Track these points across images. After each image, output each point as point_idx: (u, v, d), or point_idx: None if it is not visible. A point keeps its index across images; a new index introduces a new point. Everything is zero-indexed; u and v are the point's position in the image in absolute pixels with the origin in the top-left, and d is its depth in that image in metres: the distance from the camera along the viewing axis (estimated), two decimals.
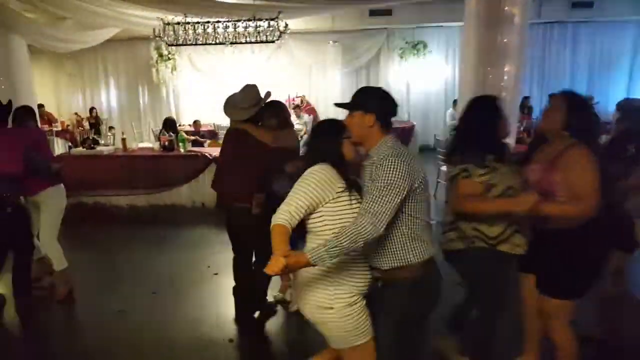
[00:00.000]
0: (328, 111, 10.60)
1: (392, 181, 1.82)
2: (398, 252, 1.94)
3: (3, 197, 3.57)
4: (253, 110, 3.24)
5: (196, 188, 6.81)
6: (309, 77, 10.88)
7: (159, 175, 6.79)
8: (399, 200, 1.82)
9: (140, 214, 6.67)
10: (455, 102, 8.96)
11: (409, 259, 1.94)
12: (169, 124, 7.80)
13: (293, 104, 10.40)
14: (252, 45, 9.53)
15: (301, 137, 9.45)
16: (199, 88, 10.97)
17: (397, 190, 1.82)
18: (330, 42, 10.48)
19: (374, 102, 1.99)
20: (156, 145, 7.28)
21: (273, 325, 3.53)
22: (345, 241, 1.74)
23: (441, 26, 10.45)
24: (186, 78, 10.92)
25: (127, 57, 11.05)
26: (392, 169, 1.82)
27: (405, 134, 9.54)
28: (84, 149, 7.02)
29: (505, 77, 5.08)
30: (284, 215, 1.83)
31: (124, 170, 6.84)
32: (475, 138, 2.30)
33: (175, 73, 10.50)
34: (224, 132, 8.82)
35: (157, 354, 3.17)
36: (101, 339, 3.39)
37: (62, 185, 3.99)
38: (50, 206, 3.90)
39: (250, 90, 3.30)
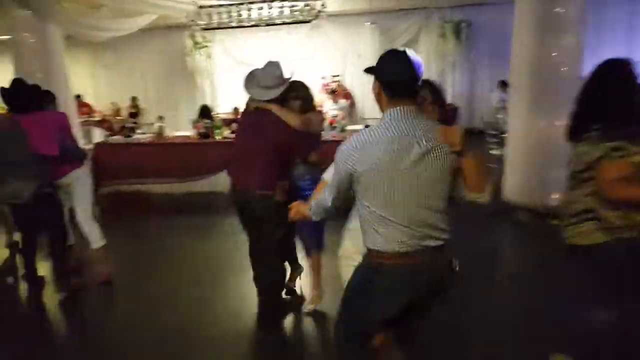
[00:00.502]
0: (365, 95, 10.30)
1: (336, 159, 1.84)
2: (362, 233, 1.90)
3: (43, 178, 3.53)
4: (278, 90, 2.98)
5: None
6: (344, 61, 10.54)
7: (195, 163, 6.68)
8: (338, 179, 1.85)
9: (177, 202, 6.60)
10: (503, 82, 8.45)
11: (365, 243, 1.88)
12: (205, 112, 7.71)
13: (329, 88, 10.14)
14: (288, 28, 9.36)
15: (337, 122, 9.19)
16: (234, 75, 10.82)
17: (337, 169, 1.84)
18: (367, 23, 10.10)
19: (380, 67, 1.81)
20: (193, 133, 7.18)
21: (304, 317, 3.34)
22: (314, 204, 2.02)
23: (484, 4, 9.89)
24: (221, 66, 10.81)
25: (162, 46, 11.03)
26: (339, 147, 1.83)
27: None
28: (122, 137, 6.99)
29: (565, 51, 4.65)
30: None
31: (160, 158, 6.77)
32: (624, 109, 1.96)
33: (210, 61, 10.39)
34: None
35: (198, 345, 3.03)
36: (139, 327, 3.29)
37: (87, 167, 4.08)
38: (81, 186, 3.92)
39: (275, 67, 3.01)
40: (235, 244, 4.70)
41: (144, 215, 6.16)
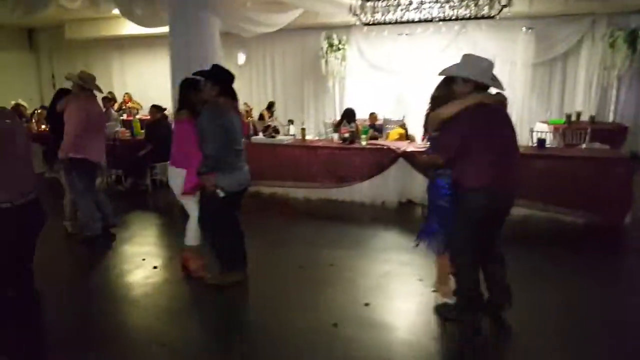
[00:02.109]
0: (512, 107, 9.25)
1: None
2: None
3: None
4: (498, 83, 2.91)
5: (378, 185, 6.10)
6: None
7: (338, 169, 6.22)
8: None
9: (315, 208, 6.17)
10: None
11: None
12: (348, 115, 7.26)
13: None
14: (430, 32, 8.68)
15: None
16: (367, 80, 10.38)
17: None
18: (524, 28, 9.07)
19: None
20: (335, 137, 6.76)
21: None
22: None
23: None
24: (354, 70, 10.39)
25: (294, 47, 10.88)
26: None
27: (615, 138, 7.81)
28: (265, 137, 6.76)
29: None
30: None
31: (302, 162, 6.42)
32: None
33: (344, 64, 10.01)
34: (393, 126, 7.96)
35: None
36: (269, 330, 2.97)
37: None
38: None
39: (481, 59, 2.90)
40: (374, 256, 4.33)
41: (282, 218, 5.81)
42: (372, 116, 7.81)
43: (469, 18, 5.91)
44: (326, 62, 9.97)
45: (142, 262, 4.38)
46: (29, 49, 12.78)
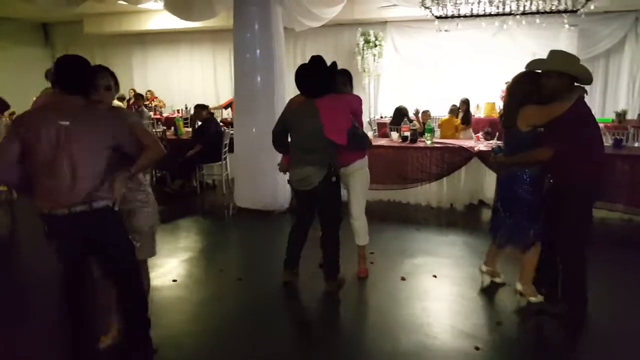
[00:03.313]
0: None
1: None
2: None
3: (333, 166, 3.34)
4: None
5: (447, 186, 5.87)
6: None
7: (400, 169, 5.97)
8: None
9: (383, 212, 5.88)
10: None
11: None
12: (401, 114, 7.01)
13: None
14: (468, 28, 8.49)
15: None
16: (402, 76, 10.16)
17: None
18: (567, 25, 8.91)
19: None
20: (394, 136, 6.51)
21: None
22: None
23: None
24: (389, 66, 10.15)
25: (328, 44, 10.58)
26: None
27: None
28: None
29: None
30: None
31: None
32: None
33: (380, 60, 9.77)
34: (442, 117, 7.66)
35: None
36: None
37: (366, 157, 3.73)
38: (361, 177, 3.68)
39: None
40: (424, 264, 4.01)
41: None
42: (425, 114, 7.58)
43: (549, 12, 5.68)
44: (362, 58, 9.70)
45: (220, 272, 4.09)
46: (44, 43, 12.32)
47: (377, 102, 10.23)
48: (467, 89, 9.02)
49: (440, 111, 8.94)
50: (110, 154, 2.31)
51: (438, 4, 5.58)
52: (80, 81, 2.33)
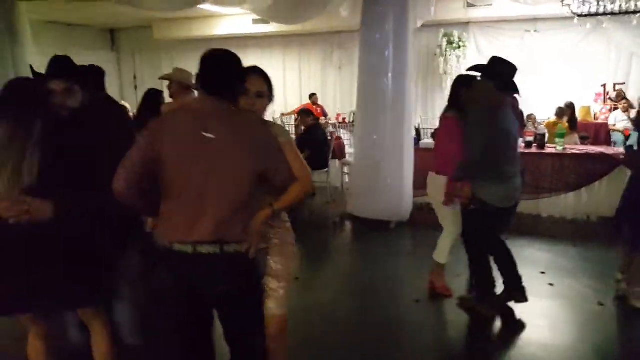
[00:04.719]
0: None
1: None
2: None
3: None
4: None
5: (585, 196, 5.46)
6: (628, 66, 8.89)
7: (534, 178, 5.58)
8: None
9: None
10: None
11: None
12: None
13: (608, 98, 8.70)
14: (558, 27, 8.08)
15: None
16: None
17: None
18: None
19: None
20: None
21: None
22: None
23: None
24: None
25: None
26: None
27: None
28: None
29: None
30: None
31: None
32: None
33: (464, 61, 9.38)
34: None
35: None
36: None
37: None
38: None
39: None
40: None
41: None
42: (531, 117, 7.21)
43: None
44: (445, 60, 9.34)
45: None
46: (110, 48, 12.31)
47: None
48: (556, 92, 8.62)
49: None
50: (254, 182, 1.74)
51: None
52: (232, 82, 1.78)
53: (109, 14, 10.30)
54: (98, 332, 2.19)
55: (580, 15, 5.70)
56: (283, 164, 1.80)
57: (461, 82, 3.57)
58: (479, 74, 3.34)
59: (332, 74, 11.08)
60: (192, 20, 10.84)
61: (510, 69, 3.24)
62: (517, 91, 3.31)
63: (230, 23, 10.63)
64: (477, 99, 3.26)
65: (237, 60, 1.78)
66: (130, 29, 11.93)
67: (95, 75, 3.11)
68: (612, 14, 6.42)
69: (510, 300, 3.28)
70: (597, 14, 5.64)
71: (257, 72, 2.05)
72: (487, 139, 3.04)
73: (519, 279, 3.26)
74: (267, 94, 2.05)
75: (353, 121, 9.75)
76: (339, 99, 10.95)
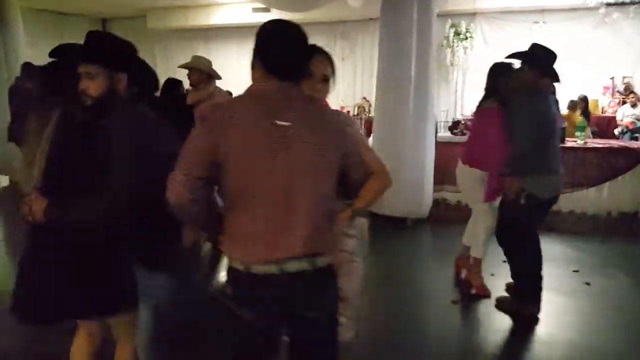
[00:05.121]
0: None
1: None
2: None
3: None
4: None
5: (606, 191, 5.30)
6: (637, 60, 8.76)
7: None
8: None
9: None
10: None
11: None
12: None
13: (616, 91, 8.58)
14: (569, 19, 7.93)
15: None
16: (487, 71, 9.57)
17: None
18: None
19: None
20: None
21: None
22: None
23: None
24: (477, 60, 9.56)
25: None
26: None
27: None
28: (453, 135, 5.94)
29: None
30: None
31: None
32: None
33: (471, 53, 9.19)
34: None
35: None
36: None
37: None
38: None
39: None
40: None
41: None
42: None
43: None
44: (452, 51, 9.13)
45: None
46: None
47: (464, 97, 9.63)
48: (564, 85, 8.42)
49: None
50: (336, 179, 1.45)
51: None
52: (299, 62, 1.46)
53: (101, 2, 9.91)
54: (123, 347, 2.00)
55: (609, 4, 5.49)
56: (361, 157, 1.53)
57: (499, 71, 3.44)
58: (517, 62, 3.23)
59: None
60: (187, 9, 10.45)
61: (551, 55, 3.14)
62: (557, 79, 3.18)
63: (228, 12, 10.23)
64: (520, 88, 3.11)
65: (305, 37, 1.44)
66: (123, 19, 11.51)
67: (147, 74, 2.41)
68: (623, 4, 6.30)
69: (517, 309, 3.13)
70: (608, 4, 5.43)
71: (322, 53, 1.78)
72: (536, 130, 2.91)
73: (540, 283, 3.09)
74: (332, 78, 1.79)
75: (358, 114, 9.55)
76: (342, 92, 10.69)
